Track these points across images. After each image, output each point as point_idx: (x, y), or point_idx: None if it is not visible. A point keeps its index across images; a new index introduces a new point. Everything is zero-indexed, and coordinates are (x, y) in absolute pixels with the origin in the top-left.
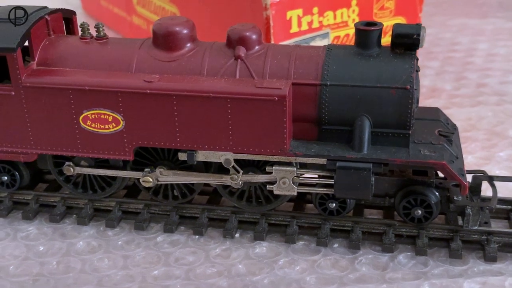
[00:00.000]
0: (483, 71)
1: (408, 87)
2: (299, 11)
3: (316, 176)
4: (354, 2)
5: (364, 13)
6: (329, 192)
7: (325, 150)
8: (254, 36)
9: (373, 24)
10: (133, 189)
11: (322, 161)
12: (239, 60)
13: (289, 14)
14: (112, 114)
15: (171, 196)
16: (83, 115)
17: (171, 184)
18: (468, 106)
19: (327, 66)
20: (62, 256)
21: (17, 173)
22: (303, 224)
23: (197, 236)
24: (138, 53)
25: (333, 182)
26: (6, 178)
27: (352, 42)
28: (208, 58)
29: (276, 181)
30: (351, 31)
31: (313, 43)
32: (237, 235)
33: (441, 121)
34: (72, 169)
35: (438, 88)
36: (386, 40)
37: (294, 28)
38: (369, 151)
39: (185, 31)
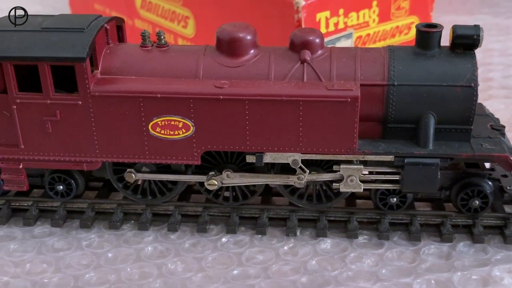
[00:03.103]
0: (485, 66)
1: (472, 85)
2: (327, 13)
3: (383, 172)
4: (374, 3)
5: (383, 13)
6: (391, 188)
7: (393, 148)
8: (317, 40)
9: (433, 26)
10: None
11: (389, 158)
12: (305, 63)
13: (318, 16)
14: (183, 120)
15: (232, 198)
16: (153, 122)
17: (232, 186)
18: (480, 100)
19: (393, 66)
20: (134, 262)
21: (73, 181)
22: (363, 220)
23: (259, 236)
24: (204, 59)
25: (398, 178)
26: (61, 187)
27: (372, 42)
28: (274, 63)
29: (341, 179)
30: (371, 31)
31: (338, 44)
32: (297, 233)
33: (489, 115)
34: (133, 175)
35: None
36: (401, 38)
37: (322, 29)
38: (434, 147)
39: (249, 37)
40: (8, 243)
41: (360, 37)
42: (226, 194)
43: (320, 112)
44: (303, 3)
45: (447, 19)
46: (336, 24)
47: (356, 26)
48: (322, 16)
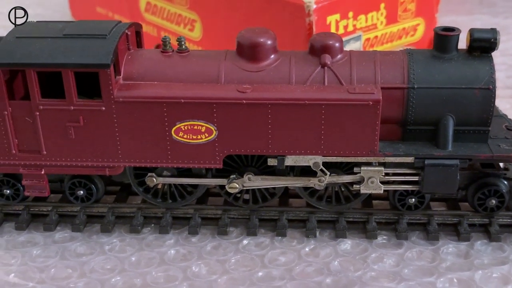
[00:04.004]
0: None
1: (491, 87)
2: (337, 16)
3: (402, 174)
4: (382, 5)
5: (390, 15)
6: (410, 189)
7: (413, 149)
8: (337, 44)
9: (451, 29)
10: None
11: (409, 159)
12: (325, 67)
13: (329, 19)
14: (206, 125)
15: (251, 201)
16: (176, 126)
17: (252, 189)
18: None
19: (412, 70)
20: (158, 265)
21: (93, 186)
22: (381, 220)
23: (280, 237)
24: (225, 64)
25: (417, 179)
26: (82, 192)
27: (380, 43)
28: (295, 67)
29: (361, 181)
30: (379, 33)
31: (348, 46)
32: (317, 234)
33: (503, 116)
34: (154, 180)
35: None
36: (407, 40)
37: None
38: (453, 148)
39: (269, 42)
40: (31, 249)
41: (368, 39)
42: (246, 196)
43: (342, 115)
44: (314, 6)
45: (447, 20)
46: (345, 27)
47: (364, 28)
48: (332, 19)
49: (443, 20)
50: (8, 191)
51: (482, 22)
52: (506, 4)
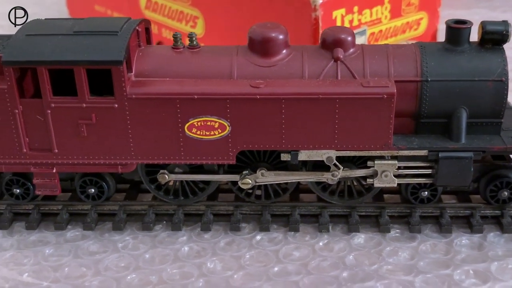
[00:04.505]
0: None
1: (503, 79)
2: (343, 11)
3: (415, 167)
4: (386, 0)
5: (394, 10)
6: (423, 182)
7: (426, 142)
8: (349, 38)
9: (463, 22)
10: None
11: (423, 152)
12: (338, 61)
13: (335, 14)
14: (219, 121)
15: (264, 196)
16: (189, 123)
17: (264, 185)
18: None
19: (425, 63)
20: (173, 262)
21: (104, 184)
22: (393, 214)
23: (292, 232)
24: (237, 60)
25: (430, 172)
26: (93, 190)
27: (384, 38)
28: (307, 61)
29: (374, 175)
30: (383, 27)
31: None
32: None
33: None
34: (167, 176)
35: None
36: (411, 34)
37: None
38: (467, 141)
39: (281, 37)
40: (43, 248)
41: (373, 33)
42: (258, 192)
43: (356, 109)
44: (320, 1)
45: (446, 14)
46: (351, 21)
47: (369, 23)
48: (338, 13)
49: (442, 14)
50: (18, 190)
51: (481, 16)
52: None
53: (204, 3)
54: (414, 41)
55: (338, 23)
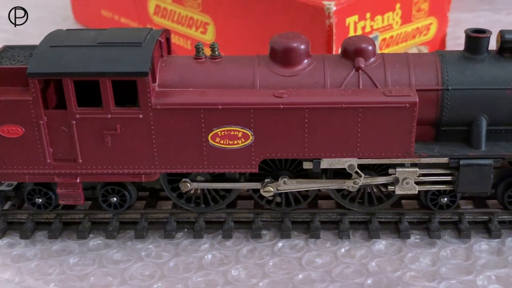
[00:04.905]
0: None
1: None
2: (355, 17)
3: (435, 174)
4: (398, 6)
5: (405, 15)
6: (444, 188)
7: (447, 150)
8: (370, 48)
9: (482, 31)
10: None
11: (444, 160)
12: (360, 71)
13: (348, 20)
14: (242, 130)
15: (284, 203)
16: (213, 132)
17: (285, 192)
18: None
19: (446, 71)
20: (197, 270)
21: (127, 193)
22: (412, 220)
23: (313, 239)
24: (260, 70)
25: (450, 179)
26: (115, 199)
27: (395, 43)
28: (329, 71)
29: (395, 182)
30: (395, 33)
31: None
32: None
33: None
34: (189, 185)
35: None
36: (421, 39)
37: (351, 34)
38: (487, 148)
39: (302, 46)
40: (67, 257)
41: (384, 39)
42: (278, 199)
43: (379, 118)
44: (334, 8)
45: (451, 17)
46: (363, 28)
47: (381, 29)
48: (351, 20)
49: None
50: (40, 200)
51: (486, 19)
52: (505, 1)
53: (214, 9)
54: (423, 46)
55: (351, 30)
